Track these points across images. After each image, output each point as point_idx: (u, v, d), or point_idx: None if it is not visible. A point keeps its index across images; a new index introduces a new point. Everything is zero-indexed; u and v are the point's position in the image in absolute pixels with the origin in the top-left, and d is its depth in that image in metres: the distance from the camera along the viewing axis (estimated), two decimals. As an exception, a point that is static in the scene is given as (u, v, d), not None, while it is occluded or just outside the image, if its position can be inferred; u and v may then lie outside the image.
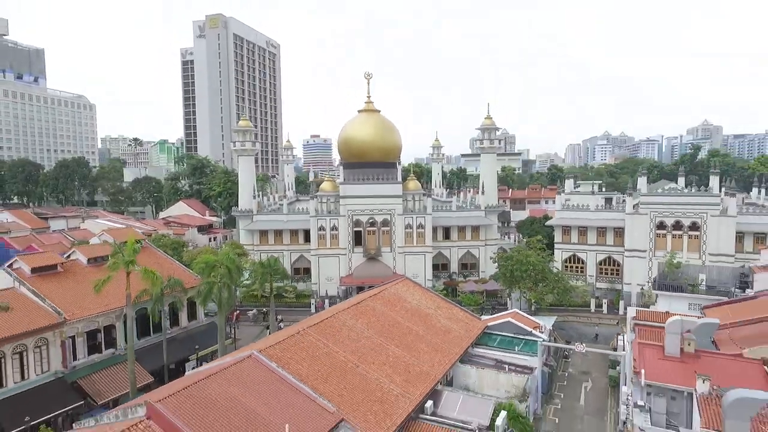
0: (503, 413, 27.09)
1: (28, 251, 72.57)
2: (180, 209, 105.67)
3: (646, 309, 38.15)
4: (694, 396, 22.29)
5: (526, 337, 38.58)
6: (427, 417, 27.78)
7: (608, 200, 68.92)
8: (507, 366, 34.63)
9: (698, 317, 31.39)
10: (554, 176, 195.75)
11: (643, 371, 24.85)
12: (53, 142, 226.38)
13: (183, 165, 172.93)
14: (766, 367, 23.69)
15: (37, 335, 31.96)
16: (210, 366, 27.43)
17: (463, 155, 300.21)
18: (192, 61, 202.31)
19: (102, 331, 36.56)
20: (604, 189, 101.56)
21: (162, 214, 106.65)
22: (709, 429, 19.79)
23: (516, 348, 37.37)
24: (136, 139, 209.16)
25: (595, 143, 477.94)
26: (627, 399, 25.54)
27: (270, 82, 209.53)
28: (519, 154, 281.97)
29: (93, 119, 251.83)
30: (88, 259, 40.37)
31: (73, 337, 34.50)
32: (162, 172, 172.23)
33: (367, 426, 24.32)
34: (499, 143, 73.23)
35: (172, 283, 36.98)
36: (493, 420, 27.36)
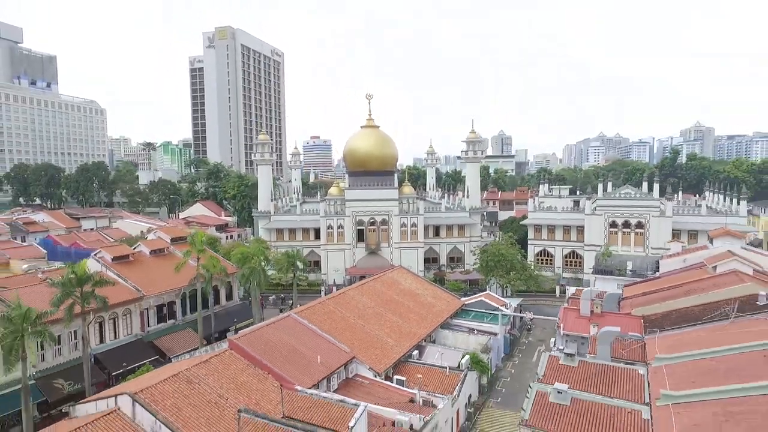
0: (467, 357, 38.11)
1: (74, 247, 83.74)
2: (198, 210, 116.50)
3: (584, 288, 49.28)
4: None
5: (493, 312, 49.63)
6: (414, 361, 38.78)
7: (576, 203, 79.85)
8: (476, 330, 45.72)
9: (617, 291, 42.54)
10: (543, 179, 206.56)
11: (562, 326, 35.90)
12: (66, 145, 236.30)
13: (196, 169, 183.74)
14: (642, 320, 34.70)
15: (124, 306, 42.98)
16: (259, 324, 38.44)
17: (458, 157, 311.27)
18: (200, 69, 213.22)
19: (166, 306, 47.59)
20: (579, 192, 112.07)
21: (182, 215, 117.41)
22: (591, 353, 30.86)
23: (485, 319, 48.39)
24: (149, 144, 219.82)
25: (588, 145, 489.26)
26: (553, 344, 36.59)
27: (275, 89, 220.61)
28: (512, 156, 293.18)
29: (103, 123, 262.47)
30: (150, 251, 51.35)
31: (147, 309, 45.53)
32: (174, 175, 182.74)
33: (370, 362, 35.33)
34: (482, 154, 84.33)
35: (221, 268, 47.87)
36: (460, 364, 38.37)
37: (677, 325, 30.87)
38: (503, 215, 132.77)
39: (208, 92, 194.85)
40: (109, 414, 24.79)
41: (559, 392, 24.19)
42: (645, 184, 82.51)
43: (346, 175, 77.51)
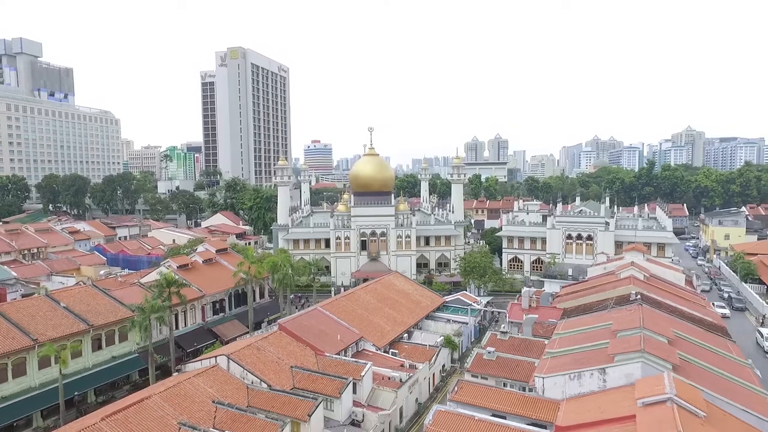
0: (442, 338, 53.39)
1: (121, 254, 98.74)
2: (218, 219, 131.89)
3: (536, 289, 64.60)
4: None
5: (468, 306, 64.87)
6: (404, 341, 54.02)
7: (545, 217, 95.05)
8: (452, 320, 60.98)
9: (555, 292, 57.86)
10: (530, 187, 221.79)
11: (508, 315, 51.24)
12: (84, 154, 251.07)
13: (208, 178, 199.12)
14: (562, 311, 49.97)
15: (192, 302, 58.22)
16: (292, 316, 53.61)
17: (454, 165, 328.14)
18: (211, 83, 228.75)
19: (218, 302, 62.86)
20: (562, 200, 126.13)
21: (204, 223, 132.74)
22: (520, 333, 46.16)
23: (459, 312, 63.66)
24: (167, 156, 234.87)
25: (580, 150, 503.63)
26: (501, 328, 51.92)
27: (281, 102, 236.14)
28: (505, 163, 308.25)
29: (118, 133, 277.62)
30: (203, 260, 66.59)
31: (205, 305, 60.76)
32: (190, 184, 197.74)
33: (373, 340, 50.51)
34: (465, 176, 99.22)
35: (259, 273, 63.09)
36: (437, 343, 53.57)
37: (578, 314, 46.17)
38: (490, 223, 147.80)
39: (220, 107, 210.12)
40: (212, 368, 39.92)
41: (489, 353, 39.50)
42: (607, 200, 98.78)
43: (352, 195, 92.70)
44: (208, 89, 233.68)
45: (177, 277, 54.46)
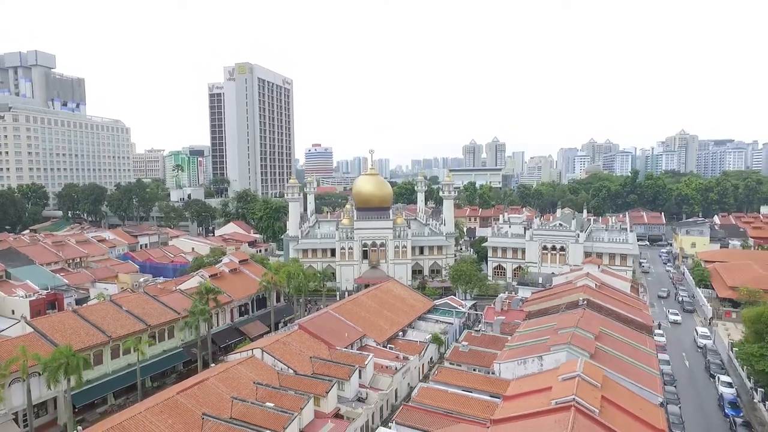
0: (430, 336, 65.08)
1: (148, 262, 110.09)
2: (231, 228, 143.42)
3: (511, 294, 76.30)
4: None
5: (454, 309, 76.50)
6: (399, 338, 65.66)
7: (526, 229, 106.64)
8: (439, 321, 72.64)
9: (527, 297, 69.59)
10: (523, 194, 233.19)
11: (483, 317, 62.94)
12: (96, 162, 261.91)
13: (217, 187, 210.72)
14: (527, 314, 61.65)
15: (224, 305, 69.87)
16: (308, 317, 65.25)
17: (451, 170, 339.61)
18: (218, 94, 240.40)
19: (243, 306, 74.52)
20: (547, 212, 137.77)
21: (218, 232, 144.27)
22: (491, 331, 57.89)
23: (446, 314, 75.31)
24: (179, 166, 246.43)
25: (574, 154, 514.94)
26: (478, 327, 63.64)
27: (285, 112, 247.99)
28: (499, 169, 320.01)
29: (128, 141, 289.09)
30: (229, 270, 78.20)
31: (233, 308, 72.42)
32: (201, 193, 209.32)
33: (374, 337, 62.17)
34: (457, 192, 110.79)
35: (279, 282, 74.75)
36: (426, 340, 65.23)
37: (537, 316, 57.86)
38: (482, 231, 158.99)
39: (228, 118, 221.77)
40: (248, 359, 51.53)
41: (463, 346, 51.21)
42: (585, 212, 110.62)
43: (354, 210, 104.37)
44: (215, 100, 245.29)
45: (213, 286, 66.08)
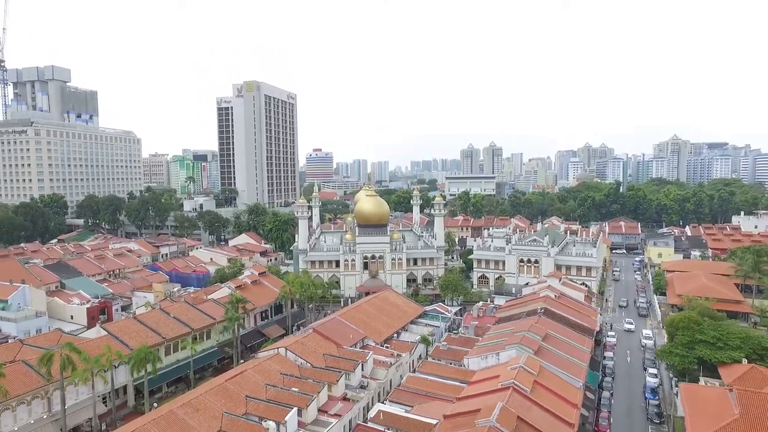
0: (419, 337, 79.33)
1: (173, 271, 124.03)
2: (244, 239, 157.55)
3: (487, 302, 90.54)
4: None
5: (440, 314, 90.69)
6: (394, 339, 79.87)
7: (507, 241, 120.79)
8: (428, 324, 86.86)
9: (501, 304, 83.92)
10: (514, 203, 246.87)
11: (463, 321, 77.20)
12: (109, 172, 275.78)
13: (227, 197, 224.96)
14: (497, 319, 75.88)
15: (250, 312, 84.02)
16: (319, 321, 79.49)
17: (447, 178, 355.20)
18: (226, 108, 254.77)
19: (263, 312, 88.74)
20: (539, 217, 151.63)
21: (231, 242, 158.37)
22: (471, 335, 72.17)
23: (435, 319, 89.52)
24: (191, 178, 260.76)
25: (570, 158, 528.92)
26: (457, 331, 77.90)
27: (289, 125, 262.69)
28: (493, 177, 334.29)
29: (139, 151, 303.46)
30: (251, 282, 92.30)
31: (256, 314, 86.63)
32: (212, 204, 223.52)
33: (373, 338, 76.37)
34: (445, 209, 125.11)
35: (294, 292, 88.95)
36: (416, 340, 79.43)
37: (504, 321, 72.02)
38: (472, 242, 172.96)
39: (237, 134, 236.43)
40: (275, 355, 65.69)
41: (444, 345, 65.49)
42: (562, 227, 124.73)
43: (356, 227, 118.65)
44: (223, 113, 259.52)
45: (241, 296, 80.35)
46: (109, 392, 60.55)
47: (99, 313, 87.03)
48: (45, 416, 53.77)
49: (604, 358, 74.67)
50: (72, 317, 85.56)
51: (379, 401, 60.62)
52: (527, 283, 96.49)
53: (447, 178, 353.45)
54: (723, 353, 56.48)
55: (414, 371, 65.03)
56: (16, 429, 50.97)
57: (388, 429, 46.55)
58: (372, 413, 51.03)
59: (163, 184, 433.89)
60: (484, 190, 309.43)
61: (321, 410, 54.61)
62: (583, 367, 56.17)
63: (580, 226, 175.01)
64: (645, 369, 71.96)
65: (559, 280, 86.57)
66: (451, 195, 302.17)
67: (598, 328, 73.33)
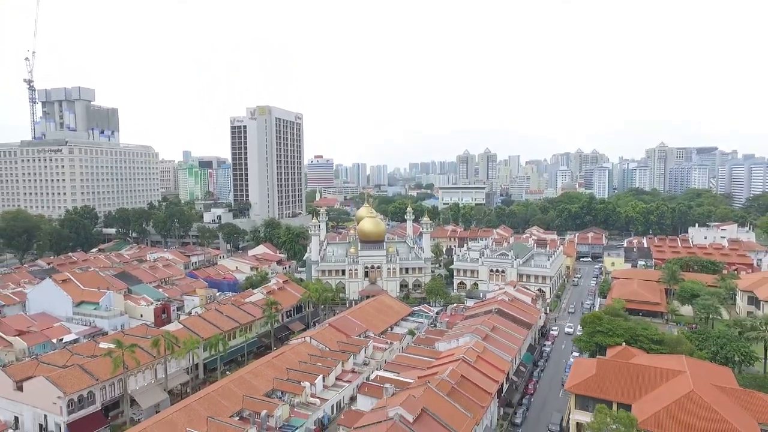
0: (407, 330, 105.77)
1: (207, 278, 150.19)
2: (262, 249, 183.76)
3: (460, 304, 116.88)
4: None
5: (425, 313, 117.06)
6: (389, 332, 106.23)
7: (482, 253, 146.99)
8: (415, 321, 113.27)
9: (470, 305, 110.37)
10: (499, 213, 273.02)
11: (440, 318, 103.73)
12: (131, 183, 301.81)
13: (241, 207, 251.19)
14: (464, 317, 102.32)
15: (279, 311, 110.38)
16: (332, 318, 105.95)
17: (440, 188, 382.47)
18: (240, 127, 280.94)
19: (288, 311, 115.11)
20: (521, 226, 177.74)
21: (251, 252, 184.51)
22: (444, 328, 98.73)
23: (420, 317, 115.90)
24: (209, 192, 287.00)
25: (557, 168, 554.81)
26: (434, 325, 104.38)
27: (297, 143, 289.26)
28: (483, 188, 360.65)
29: (156, 164, 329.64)
30: (277, 288, 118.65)
31: (282, 313, 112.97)
32: (229, 216, 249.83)
33: (373, 330, 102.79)
34: (432, 228, 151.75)
35: (313, 296, 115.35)
36: (405, 333, 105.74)
37: (468, 318, 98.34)
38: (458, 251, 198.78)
39: (251, 152, 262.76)
40: (303, 342, 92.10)
41: (423, 335, 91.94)
42: (533, 241, 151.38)
43: (359, 242, 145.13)
44: (236, 131, 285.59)
45: (274, 300, 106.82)
46: (189, 367, 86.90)
47: (161, 313, 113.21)
48: (152, 381, 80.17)
49: (544, 345, 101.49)
50: (141, 315, 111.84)
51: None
52: (489, 290, 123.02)
53: (440, 188, 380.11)
54: (611, 339, 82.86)
55: (401, 352, 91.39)
56: (137, 388, 77.35)
57: (383, 385, 72.93)
58: (372, 377, 77.56)
59: (170, 189, 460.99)
60: (475, 199, 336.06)
61: (338, 378, 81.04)
62: (514, 348, 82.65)
63: (557, 236, 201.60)
64: (572, 352, 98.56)
65: (514, 287, 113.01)
66: (444, 204, 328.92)
67: (541, 324, 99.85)
